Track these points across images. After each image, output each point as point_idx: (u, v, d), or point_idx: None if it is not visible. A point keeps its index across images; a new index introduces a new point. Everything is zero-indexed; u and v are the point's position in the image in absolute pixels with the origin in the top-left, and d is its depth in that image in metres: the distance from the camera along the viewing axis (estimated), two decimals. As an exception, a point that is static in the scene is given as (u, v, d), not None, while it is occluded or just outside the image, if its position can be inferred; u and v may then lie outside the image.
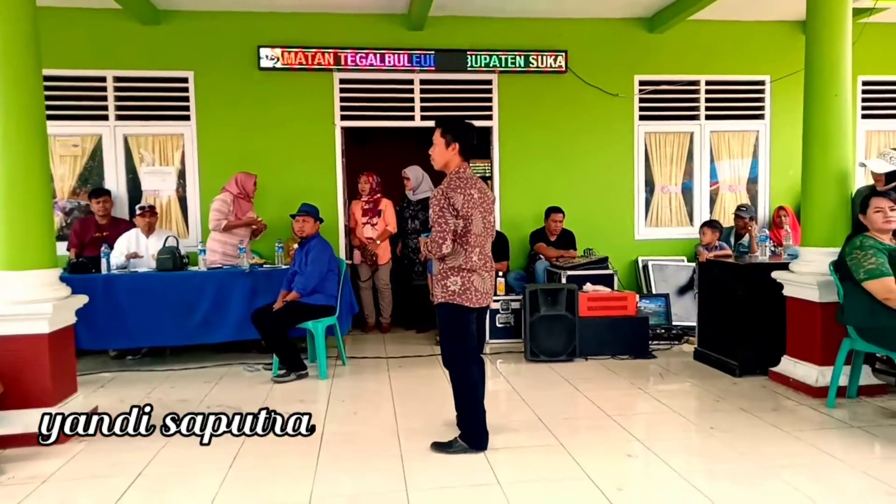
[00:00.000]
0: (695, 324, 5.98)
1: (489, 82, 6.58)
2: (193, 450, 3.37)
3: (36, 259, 3.57)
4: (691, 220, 6.98)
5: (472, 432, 3.23)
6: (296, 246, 5.21)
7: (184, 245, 5.64)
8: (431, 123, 6.41)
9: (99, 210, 5.78)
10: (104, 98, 6.10)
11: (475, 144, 3.38)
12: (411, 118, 6.53)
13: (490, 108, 6.62)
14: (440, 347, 3.36)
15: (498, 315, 5.81)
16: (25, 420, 3.45)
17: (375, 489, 2.85)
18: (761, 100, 6.92)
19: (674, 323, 6.03)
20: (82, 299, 3.85)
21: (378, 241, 6.28)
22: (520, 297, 5.86)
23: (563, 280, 5.61)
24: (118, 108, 6.14)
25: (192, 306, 5.12)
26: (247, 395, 4.36)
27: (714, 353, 4.87)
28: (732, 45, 6.79)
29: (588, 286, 5.49)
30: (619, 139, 6.80)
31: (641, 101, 6.79)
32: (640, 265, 6.74)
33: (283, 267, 5.32)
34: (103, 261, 5.17)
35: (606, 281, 5.68)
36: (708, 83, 6.84)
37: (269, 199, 6.18)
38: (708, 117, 6.90)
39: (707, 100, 6.87)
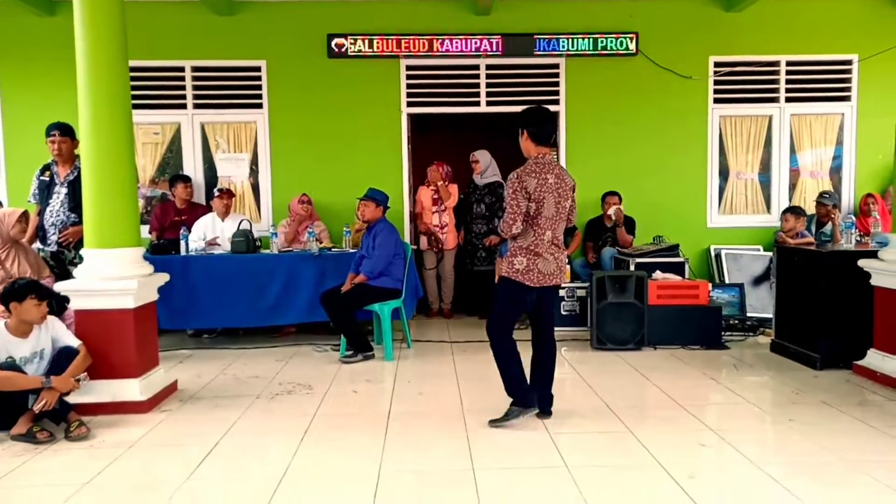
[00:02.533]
0: (771, 315, 5.74)
1: (556, 66, 6.47)
2: (267, 423, 3.50)
3: (123, 238, 3.76)
4: (769, 207, 6.68)
5: (516, 391, 3.34)
6: (358, 231, 5.30)
7: (256, 230, 5.81)
8: (498, 109, 6.48)
9: (182, 195, 6.04)
10: (183, 87, 6.35)
11: (547, 129, 3.36)
12: (477, 104, 6.50)
13: (557, 94, 6.51)
14: (490, 314, 3.45)
15: (563, 303, 5.75)
16: (113, 390, 3.66)
17: (442, 467, 2.87)
18: (848, 80, 6.53)
19: (748, 314, 5.79)
20: (164, 277, 4.03)
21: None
22: (585, 284, 5.78)
23: (632, 267, 5.48)
24: (196, 96, 6.39)
25: (264, 288, 5.29)
26: (316, 373, 4.48)
27: (793, 344, 4.65)
28: (816, 23, 6.43)
29: (657, 274, 5.33)
30: (692, 123, 6.56)
31: (716, 83, 6.52)
32: (713, 254, 6.50)
33: (351, 251, 5.41)
34: (182, 243, 5.41)
35: (677, 269, 5.51)
36: (789, 63, 6.50)
37: (337, 185, 6.29)
38: (788, 100, 6.56)
39: (788, 81, 6.53)
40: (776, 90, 6.55)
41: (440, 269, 6.47)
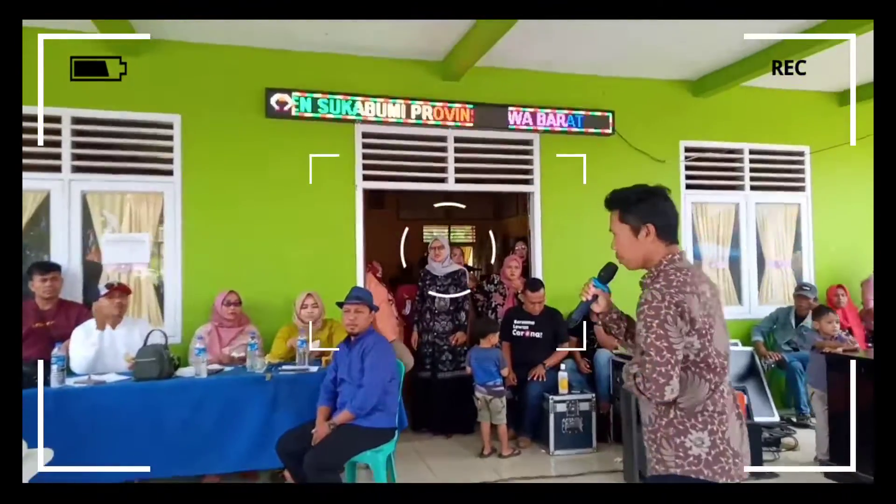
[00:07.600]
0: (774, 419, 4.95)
1: (530, 143, 5.50)
2: None
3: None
4: (740, 298, 6.07)
5: None
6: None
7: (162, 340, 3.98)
8: (466, 187, 5.34)
9: (44, 291, 4.07)
10: (58, 143, 4.46)
11: (675, 217, 2.09)
12: (444, 180, 5.29)
13: (531, 172, 5.51)
14: None
15: (564, 419, 4.58)
16: None
17: None
18: (801, 171, 6.24)
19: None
20: None
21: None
22: (587, 396, 4.68)
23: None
24: (76, 157, 4.51)
25: (186, 427, 3.50)
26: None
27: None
28: (774, 114, 6.10)
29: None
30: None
31: (687, 167, 5.92)
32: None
33: (312, 370, 3.82)
34: (53, 367, 3.45)
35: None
36: (752, 152, 6.09)
37: (277, 280, 4.68)
38: (753, 188, 6.11)
39: (751, 169, 6.10)
40: (741, 178, 6.08)
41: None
